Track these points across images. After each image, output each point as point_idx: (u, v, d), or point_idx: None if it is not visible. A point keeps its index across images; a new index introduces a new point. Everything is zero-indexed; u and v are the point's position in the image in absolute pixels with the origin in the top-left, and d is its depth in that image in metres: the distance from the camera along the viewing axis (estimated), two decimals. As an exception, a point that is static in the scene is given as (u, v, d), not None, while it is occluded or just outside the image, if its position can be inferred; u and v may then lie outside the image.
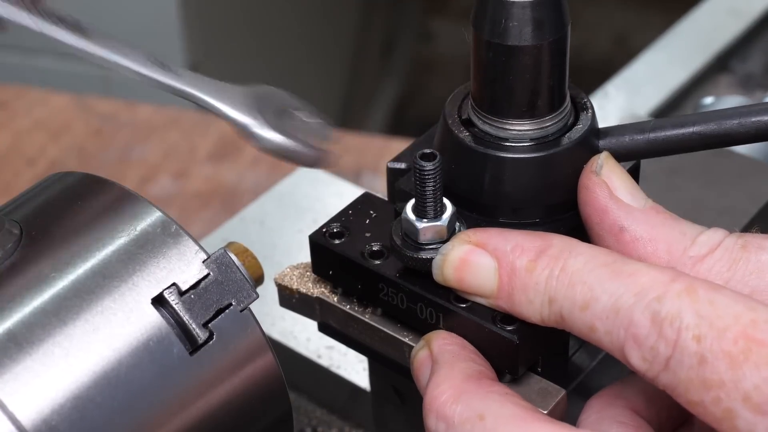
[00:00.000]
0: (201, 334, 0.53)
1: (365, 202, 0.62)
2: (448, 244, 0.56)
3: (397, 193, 0.60)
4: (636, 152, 0.58)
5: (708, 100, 0.91)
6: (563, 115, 0.57)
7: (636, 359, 0.50)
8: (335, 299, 0.61)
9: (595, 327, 0.51)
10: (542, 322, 0.54)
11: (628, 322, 0.50)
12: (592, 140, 0.58)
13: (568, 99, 0.58)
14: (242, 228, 0.88)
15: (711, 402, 0.48)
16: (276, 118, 0.56)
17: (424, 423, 0.54)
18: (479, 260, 0.55)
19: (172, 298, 0.53)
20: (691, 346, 0.49)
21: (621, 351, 0.51)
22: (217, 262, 0.55)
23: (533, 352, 0.56)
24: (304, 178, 0.92)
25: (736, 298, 0.49)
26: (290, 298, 0.63)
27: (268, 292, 0.63)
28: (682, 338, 0.49)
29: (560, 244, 0.54)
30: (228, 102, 0.55)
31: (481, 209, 0.58)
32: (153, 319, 0.53)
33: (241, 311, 0.55)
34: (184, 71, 0.55)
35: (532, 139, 0.57)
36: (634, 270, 0.51)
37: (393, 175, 0.61)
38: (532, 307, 0.54)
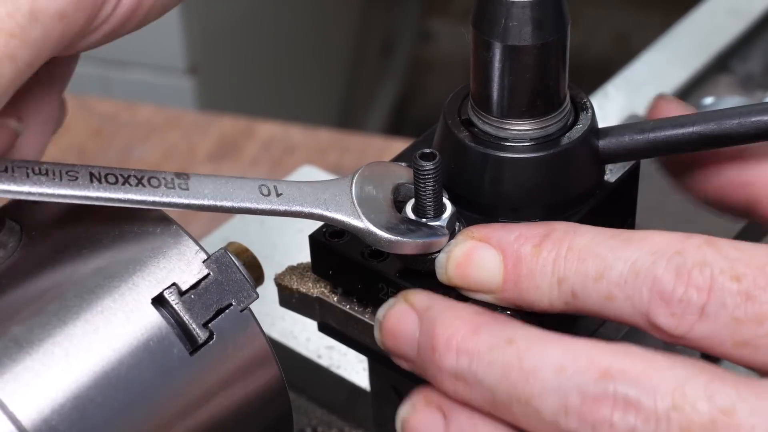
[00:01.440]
0: (201, 334, 0.53)
1: (365, 202, 0.62)
2: (452, 242, 0.56)
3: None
4: (636, 152, 0.58)
5: (708, 100, 0.91)
6: (563, 114, 0.57)
7: (664, 317, 0.50)
8: (335, 299, 0.61)
9: (612, 295, 0.51)
10: (551, 306, 0.53)
11: (651, 280, 0.50)
12: (592, 140, 0.58)
13: (567, 99, 0.58)
14: (242, 228, 0.88)
15: (766, 335, 0.48)
16: (388, 207, 0.56)
17: (436, 369, 0.52)
18: (483, 255, 0.54)
19: (172, 298, 0.53)
20: (731, 287, 0.49)
21: (644, 314, 0.50)
22: (217, 262, 0.55)
23: (533, 351, 0.56)
24: (305, 178, 0.92)
25: (757, 244, 0.50)
26: (290, 298, 0.63)
27: (268, 292, 0.63)
28: (718, 282, 0.49)
29: (563, 227, 0.53)
30: (333, 208, 0.56)
31: (481, 209, 0.58)
32: (153, 319, 0.53)
33: (241, 311, 0.55)
34: (287, 186, 0.56)
35: (531, 139, 0.57)
36: (644, 235, 0.51)
37: (393, 175, 0.61)
38: (540, 292, 0.53)
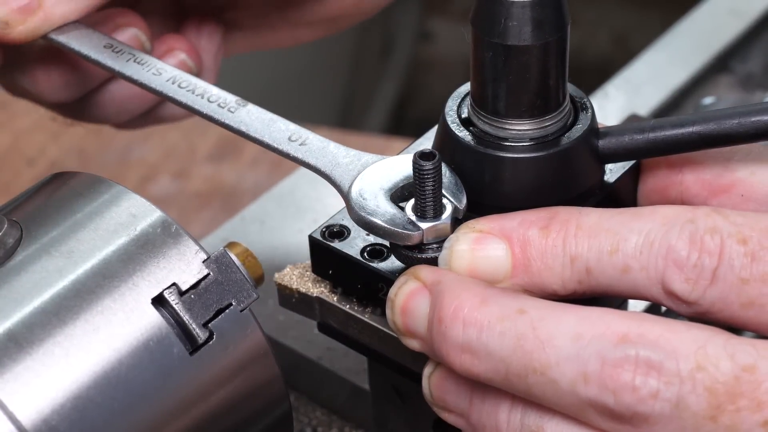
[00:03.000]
0: (201, 334, 0.53)
1: (365, 202, 0.62)
2: (452, 237, 0.55)
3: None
4: (636, 152, 0.58)
5: (708, 100, 0.91)
6: (563, 114, 0.57)
7: (679, 283, 0.51)
8: (335, 299, 0.61)
9: (628, 266, 0.51)
10: (563, 287, 0.53)
11: (666, 249, 0.51)
12: (592, 140, 0.58)
13: (567, 99, 0.58)
14: (242, 228, 0.88)
15: None
16: (386, 193, 0.57)
17: (442, 341, 0.52)
18: (489, 245, 0.54)
19: (172, 298, 0.53)
20: (739, 249, 0.50)
21: (660, 282, 0.51)
22: (217, 262, 0.55)
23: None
24: (304, 178, 0.92)
25: (761, 212, 0.51)
26: (290, 298, 0.63)
27: (268, 292, 0.63)
28: (727, 245, 0.50)
29: (565, 209, 0.54)
30: (338, 173, 0.59)
31: (481, 209, 0.58)
32: (153, 319, 0.53)
33: (241, 311, 0.55)
34: (316, 140, 0.61)
35: (531, 139, 0.57)
36: (653, 209, 0.52)
37: (393, 175, 0.61)
38: (552, 273, 0.53)
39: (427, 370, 0.55)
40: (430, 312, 0.53)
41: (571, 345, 0.50)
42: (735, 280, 0.50)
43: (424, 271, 0.55)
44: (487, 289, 0.52)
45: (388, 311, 0.55)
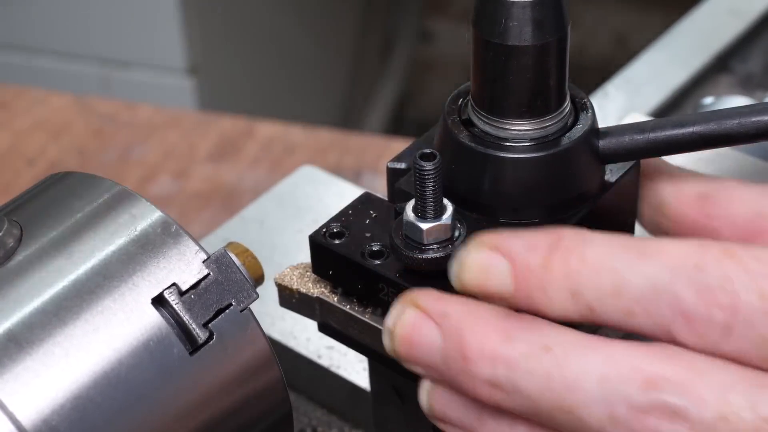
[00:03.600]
0: (201, 335, 0.53)
1: (365, 202, 0.62)
2: (463, 251, 0.53)
3: (397, 193, 0.60)
4: (636, 152, 0.58)
5: (708, 100, 0.91)
6: (563, 115, 0.57)
7: (687, 335, 0.49)
8: (335, 299, 0.61)
9: (633, 312, 0.50)
10: (566, 318, 0.51)
11: (671, 299, 0.49)
12: (592, 140, 0.58)
13: (568, 99, 0.58)
14: (242, 228, 0.88)
15: None
16: None
17: (468, 378, 0.51)
18: (494, 263, 0.52)
19: (172, 298, 0.53)
20: (759, 305, 0.48)
21: (667, 332, 0.49)
22: (217, 262, 0.55)
23: (533, 352, 0.56)
24: (304, 178, 0.92)
25: None
26: (290, 298, 0.63)
27: (268, 292, 0.63)
28: (742, 300, 0.48)
29: (571, 234, 0.52)
30: None
31: (481, 209, 0.58)
32: (153, 319, 0.53)
33: (241, 311, 0.55)
34: None
35: (532, 139, 0.57)
36: (659, 247, 0.50)
37: (393, 175, 0.61)
38: (552, 305, 0.51)
39: (427, 384, 0.55)
40: (447, 347, 0.52)
41: (597, 387, 0.49)
42: (755, 336, 0.48)
43: (423, 298, 0.53)
44: (506, 321, 0.51)
45: (385, 339, 0.54)
